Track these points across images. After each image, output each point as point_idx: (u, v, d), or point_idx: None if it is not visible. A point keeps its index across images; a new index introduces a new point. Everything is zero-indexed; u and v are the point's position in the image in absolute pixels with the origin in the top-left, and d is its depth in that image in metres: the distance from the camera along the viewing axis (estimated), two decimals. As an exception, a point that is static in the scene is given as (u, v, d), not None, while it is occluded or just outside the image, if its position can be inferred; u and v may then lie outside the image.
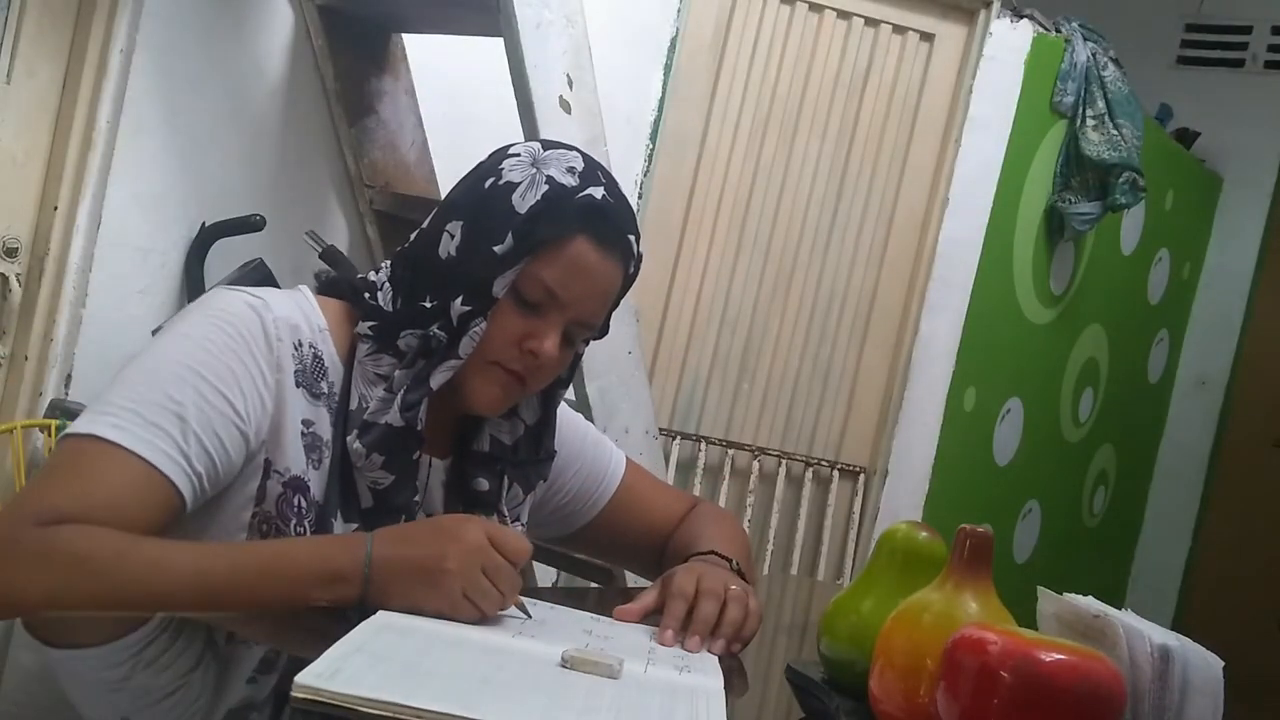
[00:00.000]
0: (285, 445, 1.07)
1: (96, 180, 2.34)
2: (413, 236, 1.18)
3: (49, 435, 2.23)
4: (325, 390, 1.11)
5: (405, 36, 2.86)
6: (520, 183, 1.10)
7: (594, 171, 1.14)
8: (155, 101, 2.42)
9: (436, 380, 1.10)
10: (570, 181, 1.11)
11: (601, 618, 1.11)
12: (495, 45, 2.16)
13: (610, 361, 2.29)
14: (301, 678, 0.75)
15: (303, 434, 1.08)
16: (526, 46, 2.07)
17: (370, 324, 1.12)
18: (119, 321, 2.40)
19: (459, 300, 1.09)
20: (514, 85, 2.11)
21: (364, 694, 0.74)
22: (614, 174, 2.27)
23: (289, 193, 2.74)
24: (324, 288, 1.19)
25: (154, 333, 1.12)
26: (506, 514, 1.23)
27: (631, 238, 1.15)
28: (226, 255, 2.53)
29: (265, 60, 2.65)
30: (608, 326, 1.21)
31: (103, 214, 2.37)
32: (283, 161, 2.72)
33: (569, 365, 1.21)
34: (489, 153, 1.18)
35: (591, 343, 2.24)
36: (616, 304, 1.19)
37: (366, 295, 1.14)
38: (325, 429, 1.10)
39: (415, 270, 1.14)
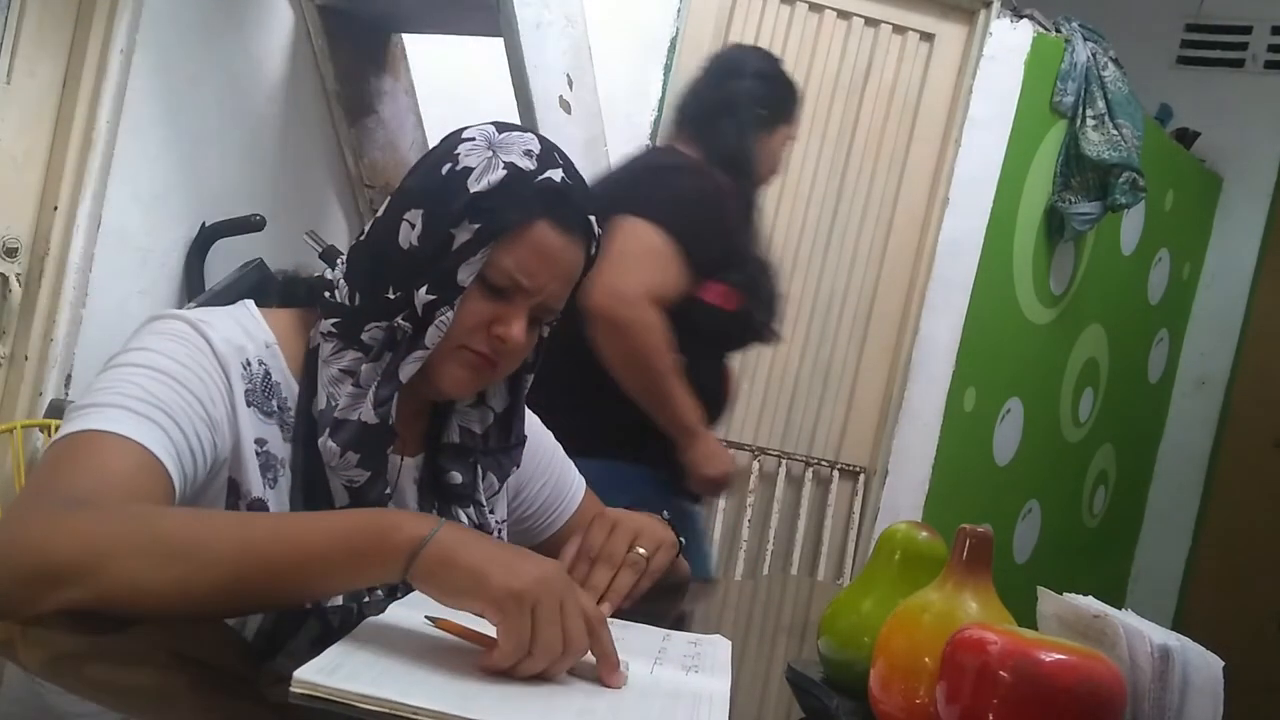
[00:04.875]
0: (246, 466, 1.06)
1: (96, 180, 2.34)
2: (368, 227, 1.15)
3: (49, 435, 2.23)
4: (276, 408, 1.09)
5: (405, 36, 2.86)
6: (477, 167, 1.09)
7: (551, 154, 1.12)
8: (155, 101, 2.42)
9: (405, 372, 1.09)
10: (528, 165, 1.09)
11: (614, 620, 1.11)
12: (495, 45, 2.16)
13: (610, 361, 2.29)
14: (301, 672, 0.74)
15: (257, 453, 1.07)
16: (526, 46, 2.07)
17: (333, 321, 1.11)
18: (119, 321, 2.40)
19: (424, 289, 1.08)
20: (514, 85, 2.11)
21: (362, 690, 0.74)
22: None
23: (289, 193, 2.74)
24: (284, 288, 1.18)
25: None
26: (484, 504, 1.22)
27: (592, 218, 1.13)
28: (226, 255, 2.53)
29: (265, 60, 2.65)
30: (569, 308, 1.20)
31: (103, 214, 2.37)
32: (283, 161, 2.72)
33: (535, 349, 1.20)
34: (442, 137, 1.16)
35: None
36: (578, 285, 1.18)
37: (326, 294, 1.13)
38: (279, 447, 1.08)
39: (376, 261, 1.12)
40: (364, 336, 1.10)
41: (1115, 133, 3.39)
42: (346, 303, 1.12)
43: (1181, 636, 0.86)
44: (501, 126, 1.13)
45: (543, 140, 1.14)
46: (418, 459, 1.20)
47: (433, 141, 2.91)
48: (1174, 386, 4.60)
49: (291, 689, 0.73)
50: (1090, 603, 0.90)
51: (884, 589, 0.96)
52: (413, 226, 1.09)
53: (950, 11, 3.37)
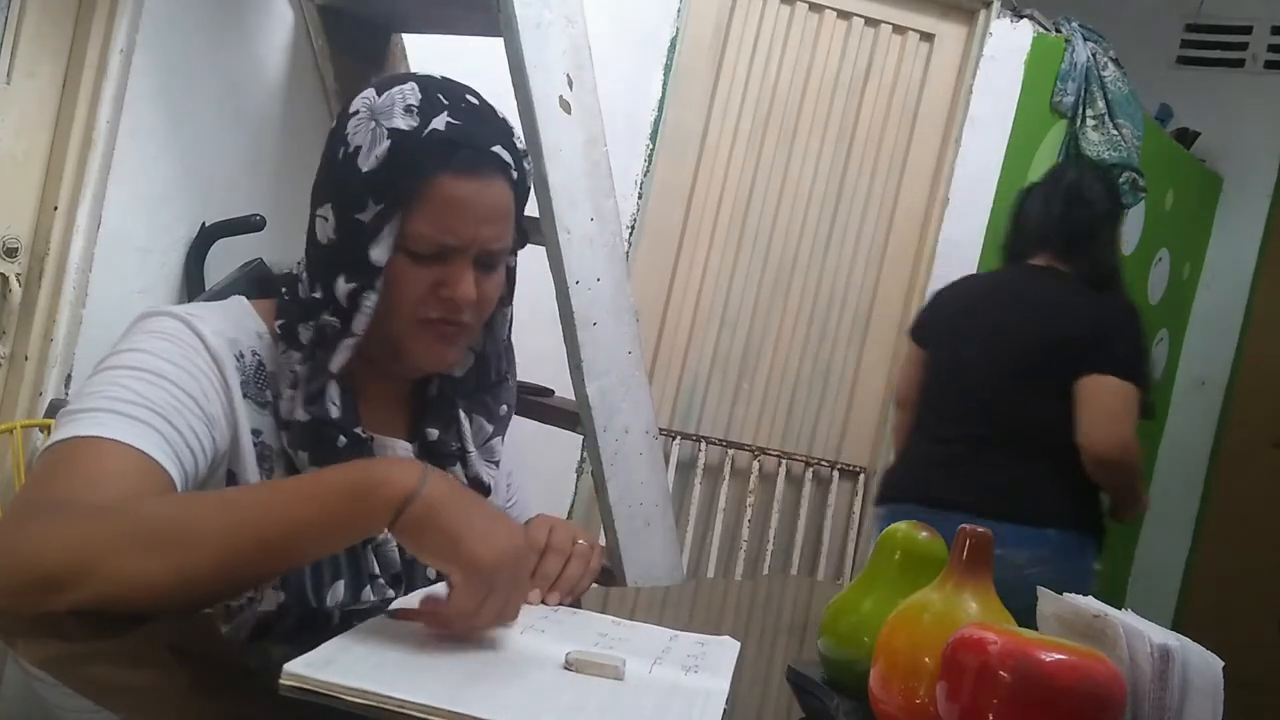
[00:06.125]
0: (244, 458, 1.06)
1: (96, 180, 2.34)
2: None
3: (48, 435, 2.22)
4: (270, 398, 1.09)
5: (405, 36, 2.86)
6: (364, 144, 1.06)
7: (434, 97, 1.07)
8: (155, 102, 2.42)
9: (336, 363, 1.08)
10: (411, 123, 1.05)
11: (622, 621, 1.11)
12: (495, 45, 2.16)
13: (610, 361, 2.28)
14: (291, 665, 0.75)
15: (254, 444, 1.07)
16: (526, 46, 2.07)
17: (279, 323, 1.11)
18: (119, 321, 2.38)
19: (341, 279, 1.07)
20: (514, 85, 2.11)
21: (350, 683, 0.74)
22: (613, 174, 2.27)
23: (289, 193, 2.74)
24: (259, 287, 1.17)
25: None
26: (473, 451, 1.20)
27: (498, 147, 1.07)
28: (226, 255, 2.53)
29: (265, 60, 2.65)
30: (525, 236, 1.17)
31: (103, 214, 2.37)
32: (283, 161, 2.72)
33: (506, 284, 1.16)
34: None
35: (591, 343, 2.25)
36: (521, 209, 1.14)
37: (283, 291, 1.12)
38: (273, 437, 1.08)
39: (307, 262, 1.12)
40: (301, 338, 1.10)
41: (1115, 133, 3.39)
42: (303, 298, 1.11)
43: (1181, 636, 0.86)
44: (382, 86, 1.10)
45: (424, 83, 1.09)
46: (416, 445, 1.19)
47: (433, 141, 2.91)
48: (1174, 386, 4.60)
49: (281, 681, 0.74)
50: (1090, 603, 0.90)
51: (884, 589, 0.96)
52: (326, 220, 1.09)
53: (950, 11, 3.37)
